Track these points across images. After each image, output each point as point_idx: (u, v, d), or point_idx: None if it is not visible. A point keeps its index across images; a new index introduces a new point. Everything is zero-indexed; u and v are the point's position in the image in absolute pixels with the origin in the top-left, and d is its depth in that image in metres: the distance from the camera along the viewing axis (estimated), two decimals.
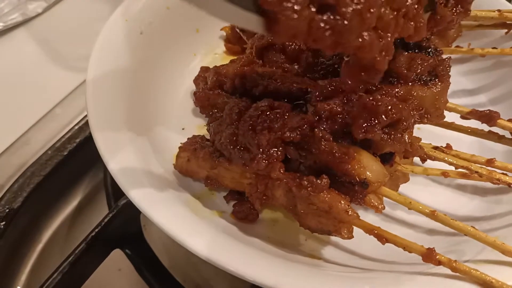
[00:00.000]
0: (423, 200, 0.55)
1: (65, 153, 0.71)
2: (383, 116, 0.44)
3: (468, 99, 0.66)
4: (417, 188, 0.56)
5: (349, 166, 0.44)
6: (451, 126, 0.53)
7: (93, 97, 0.54)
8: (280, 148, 0.45)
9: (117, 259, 0.59)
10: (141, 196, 0.44)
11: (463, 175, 0.50)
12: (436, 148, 0.51)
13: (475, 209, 0.54)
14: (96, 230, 0.56)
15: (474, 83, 0.67)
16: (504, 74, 0.64)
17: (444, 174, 0.51)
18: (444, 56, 0.53)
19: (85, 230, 0.67)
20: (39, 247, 0.69)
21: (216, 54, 0.71)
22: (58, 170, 0.70)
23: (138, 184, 0.46)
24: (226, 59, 0.70)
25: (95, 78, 0.56)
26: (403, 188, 0.54)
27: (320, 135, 0.45)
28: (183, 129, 0.61)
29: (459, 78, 0.68)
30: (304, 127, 0.45)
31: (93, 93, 0.54)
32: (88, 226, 0.69)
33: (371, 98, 0.43)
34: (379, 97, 0.45)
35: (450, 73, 0.52)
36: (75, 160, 0.72)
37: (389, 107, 0.44)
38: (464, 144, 0.57)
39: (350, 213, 0.43)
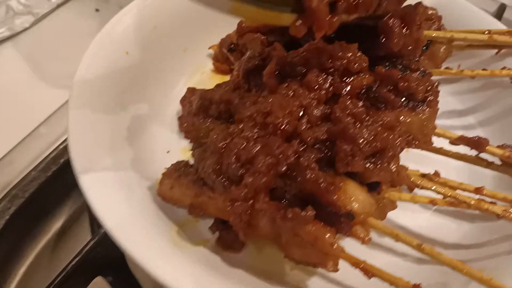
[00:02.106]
0: (411, 226, 0.55)
1: (49, 174, 0.70)
2: (367, 146, 0.43)
3: (457, 120, 0.65)
4: (405, 214, 0.55)
5: (335, 196, 0.43)
6: (440, 151, 0.53)
7: (75, 118, 0.53)
8: (265, 178, 0.44)
9: (99, 287, 0.58)
10: (120, 230, 0.43)
11: (451, 204, 0.49)
12: (424, 175, 0.50)
13: (464, 236, 0.53)
14: (77, 258, 0.55)
15: (464, 104, 0.66)
16: (494, 95, 0.64)
17: (432, 202, 0.50)
18: (433, 78, 0.52)
19: (69, 253, 0.66)
20: (22, 270, 0.67)
21: (203, 73, 0.70)
22: (41, 191, 0.68)
23: (117, 215, 0.45)
24: (213, 78, 0.70)
25: (78, 99, 0.55)
26: (391, 213, 0.53)
27: (306, 164, 0.44)
28: (168, 152, 0.60)
29: (448, 98, 0.67)
30: (290, 155, 0.44)
31: (75, 115, 0.53)
32: (72, 248, 0.68)
33: (353, 130, 0.42)
34: (364, 126, 0.44)
35: (438, 99, 0.51)
36: (59, 180, 0.70)
37: (372, 137, 0.43)
38: (454, 168, 0.56)
39: (335, 246, 0.42)
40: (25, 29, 0.94)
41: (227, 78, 0.67)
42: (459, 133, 0.54)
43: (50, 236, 0.70)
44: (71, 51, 0.89)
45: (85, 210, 0.69)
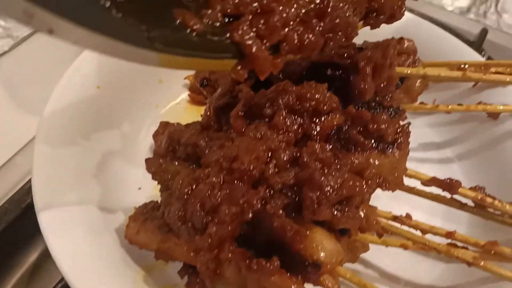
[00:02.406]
0: (385, 267, 0.54)
1: (24, 206, 0.69)
2: (333, 194, 0.42)
3: (435, 153, 0.64)
4: (378, 254, 0.54)
5: (302, 245, 0.42)
6: (412, 191, 0.52)
7: (40, 154, 0.52)
8: (230, 228, 0.43)
9: None
10: (78, 278, 0.42)
11: (422, 249, 0.48)
12: (395, 218, 0.49)
13: (439, 277, 0.53)
14: None
15: (441, 136, 0.66)
16: (471, 129, 0.63)
17: (404, 246, 0.49)
18: (407, 117, 0.52)
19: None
20: None
21: (179, 104, 0.69)
22: (15, 225, 0.67)
23: (77, 261, 0.44)
24: (189, 109, 0.69)
25: (45, 134, 0.54)
26: (365, 255, 0.52)
27: (272, 211, 0.43)
28: (139, 188, 0.59)
29: (426, 129, 0.67)
30: (256, 204, 0.43)
31: (40, 151, 0.52)
32: (47, 283, 0.67)
33: (319, 178, 0.42)
34: (331, 172, 0.43)
35: (414, 128, 0.51)
36: (34, 213, 0.69)
37: (339, 185, 0.42)
38: (428, 205, 0.55)
39: None
40: (4, 53, 0.93)
41: (202, 109, 0.66)
42: (435, 166, 0.54)
43: (24, 270, 0.69)
44: (50, 76, 0.87)
45: None
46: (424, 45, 0.65)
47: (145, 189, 0.59)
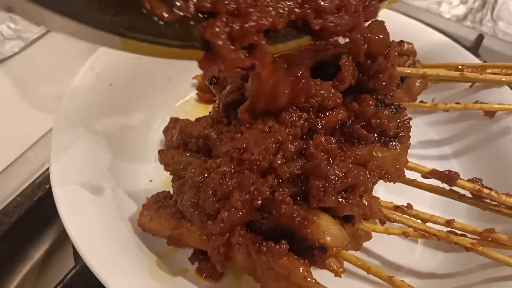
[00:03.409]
0: (386, 255, 0.56)
1: (35, 199, 0.70)
2: (339, 183, 0.44)
3: (433, 150, 0.67)
4: (380, 243, 0.56)
5: (308, 230, 0.45)
6: (413, 183, 0.54)
7: (57, 150, 0.54)
8: (240, 214, 0.45)
9: None
10: (98, 262, 0.44)
11: (423, 236, 0.50)
12: (396, 208, 0.51)
13: (438, 266, 0.55)
14: (60, 285, 0.55)
15: (440, 134, 0.68)
16: (468, 127, 0.66)
17: (405, 234, 0.51)
18: (407, 115, 0.54)
19: (54, 278, 0.66)
20: None
21: (187, 102, 0.71)
22: (26, 217, 0.69)
23: (96, 249, 0.46)
24: (197, 107, 0.71)
25: (61, 130, 0.57)
26: (367, 243, 0.54)
27: (280, 198, 0.45)
28: (150, 181, 0.62)
29: (425, 128, 0.69)
30: (265, 191, 0.46)
31: (57, 145, 0.55)
32: (56, 274, 0.69)
33: (325, 167, 0.44)
34: (336, 163, 0.45)
35: (414, 126, 0.53)
36: (45, 206, 0.71)
37: (344, 174, 0.45)
38: (427, 198, 0.58)
39: (308, 279, 0.44)
40: (15, 54, 0.95)
41: (210, 107, 0.69)
42: (434, 162, 0.56)
43: (34, 261, 0.71)
44: (59, 75, 0.90)
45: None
46: (424, 48, 0.68)
47: (155, 181, 0.61)
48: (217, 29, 0.38)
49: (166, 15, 0.38)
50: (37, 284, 0.70)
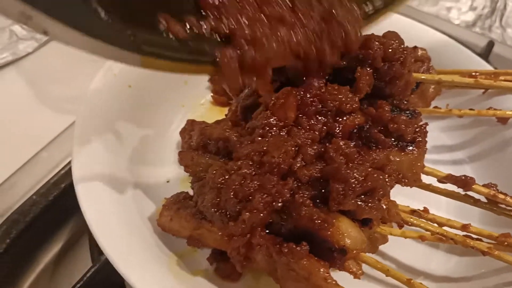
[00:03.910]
0: (402, 259, 0.57)
1: (50, 198, 0.71)
2: (358, 186, 0.45)
3: (447, 155, 0.68)
4: (396, 245, 0.57)
5: (328, 232, 0.45)
6: (428, 188, 0.55)
7: (79, 149, 0.55)
8: (261, 215, 0.46)
9: None
10: (120, 258, 0.45)
11: (439, 239, 0.51)
12: (413, 212, 0.52)
13: (453, 269, 0.55)
14: (79, 284, 0.56)
15: (453, 139, 0.69)
16: (481, 133, 0.67)
17: (421, 237, 0.52)
18: (422, 120, 0.55)
19: (68, 277, 0.67)
20: None
21: (202, 105, 0.72)
22: (42, 216, 0.70)
23: (118, 244, 0.47)
24: (212, 110, 0.72)
25: (83, 130, 0.57)
26: (383, 246, 0.55)
27: (301, 200, 0.46)
28: (167, 181, 0.62)
29: (439, 133, 0.70)
30: (285, 194, 0.46)
31: (79, 146, 0.55)
32: (70, 273, 0.69)
33: (345, 171, 0.45)
34: (355, 166, 0.46)
35: (427, 137, 0.54)
36: (60, 205, 0.71)
37: (363, 178, 0.45)
38: (443, 200, 0.58)
39: (329, 280, 0.44)
40: (28, 54, 0.96)
41: (225, 110, 0.70)
42: (448, 167, 0.57)
43: (49, 260, 0.71)
44: (73, 75, 0.92)
45: (84, 235, 0.70)
46: (437, 55, 0.69)
47: (172, 182, 0.62)
48: (229, 58, 0.42)
49: (181, 33, 0.41)
50: (51, 283, 0.71)
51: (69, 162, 0.74)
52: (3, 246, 0.66)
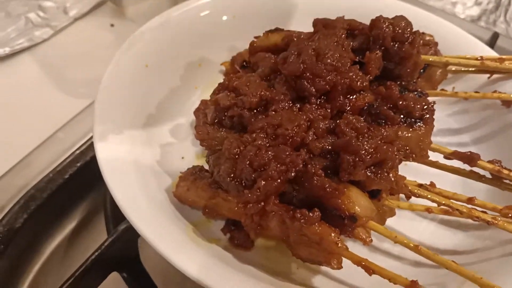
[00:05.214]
0: (409, 233, 0.59)
1: (66, 176, 0.73)
2: (368, 157, 0.47)
3: (452, 138, 0.70)
4: (403, 222, 0.59)
5: (339, 201, 0.47)
6: (435, 165, 0.57)
7: (100, 123, 0.58)
8: (276, 183, 0.48)
9: (115, 282, 0.61)
10: (140, 220, 0.47)
11: (446, 212, 0.53)
12: (420, 185, 0.54)
13: (458, 243, 0.57)
14: (96, 253, 0.58)
15: (459, 123, 0.71)
16: (486, 116, 0.68)
17: (428, 210, 0.54)
18: (429, 99, 0.57)
19: (83, 252, 0.69)
20: (37, 267, 0.70)
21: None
22: (58, 192, 0.72)
23: (138, 209, 0.49)
24: None
25: (103, 106, 0.60)
26: (390, 221, 0.57)
27: (313, 171, 0.48)
28: (182, 158, 0.65)
29: (445, 118, 0.72)
30: (298, 164, 0.49)
31: (100, 120, 0.58)
32: (85, 247, 0.72)
33: (355, 142, 0.47)
34: (365, 139, 0.48)
35: (434, 116, 0.56)
36: (76, 183, 0.74)
37: (373, 149, 0.48)
38: (448, 180, 0.60)
39: (339, 245, 0.46)
40: (44, 41, 0.99)
41: None
42: (454, 148, 0.58)
43: (65, 235, 0.74)
44: (88, 61, 0.95)
45: (99, 211, 0.73)
46: (442, 42, 0.71)
47: (187, 159, 0.64)
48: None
49: None
50: (67, 256, 0.73)
51: (85, 143, 0.77)
52: (20, 221, 0.68)
